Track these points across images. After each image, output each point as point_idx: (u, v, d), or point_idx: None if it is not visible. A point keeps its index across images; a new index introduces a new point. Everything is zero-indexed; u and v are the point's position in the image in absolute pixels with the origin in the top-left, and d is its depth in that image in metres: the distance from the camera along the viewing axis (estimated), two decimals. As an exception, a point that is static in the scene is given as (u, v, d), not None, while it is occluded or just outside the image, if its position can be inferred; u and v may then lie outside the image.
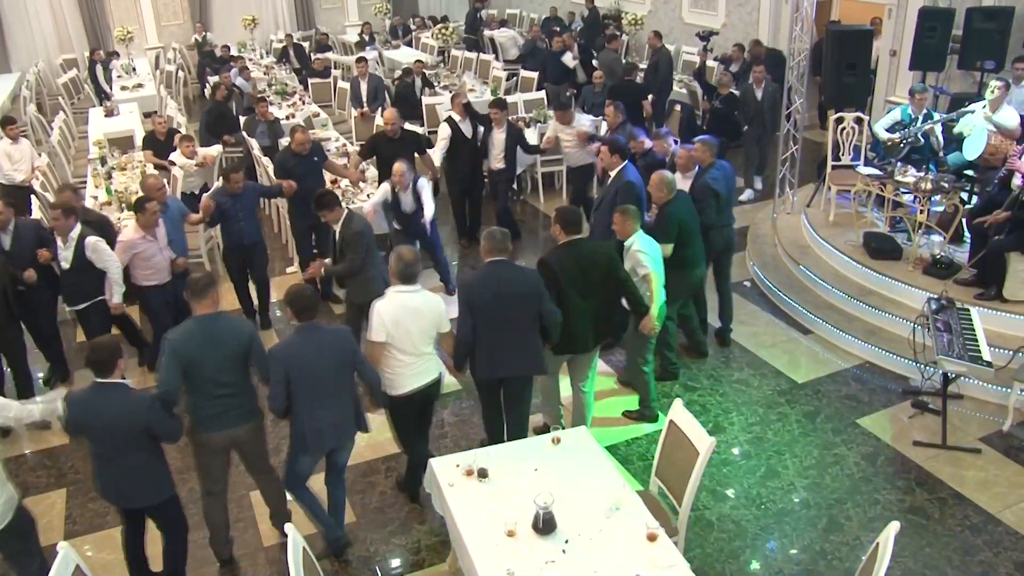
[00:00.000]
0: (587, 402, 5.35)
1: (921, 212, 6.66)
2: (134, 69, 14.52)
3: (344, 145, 9.63)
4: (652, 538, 3.61)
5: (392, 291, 4.55)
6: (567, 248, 4.97)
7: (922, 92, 7.37)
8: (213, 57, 14.37)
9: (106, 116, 11.38)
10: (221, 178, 6.99)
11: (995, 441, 5.43)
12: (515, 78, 12.88)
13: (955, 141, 7.29)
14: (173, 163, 8.35)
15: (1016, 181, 6.11)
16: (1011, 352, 5.60)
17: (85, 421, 3.94)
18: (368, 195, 7.88)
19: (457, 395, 6.07)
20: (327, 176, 7.88)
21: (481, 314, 4.68)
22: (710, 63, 11.49)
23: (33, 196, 7.95)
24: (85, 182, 8.92)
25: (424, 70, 11.91)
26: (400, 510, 5.05)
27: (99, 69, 13.84)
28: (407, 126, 8.87)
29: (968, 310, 5.53)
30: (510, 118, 9.80)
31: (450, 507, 3.92)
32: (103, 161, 9.17)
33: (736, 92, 9.35)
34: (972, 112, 7.00)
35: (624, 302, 5.18)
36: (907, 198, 7.01)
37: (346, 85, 11.72)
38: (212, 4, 17.01)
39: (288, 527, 3.51)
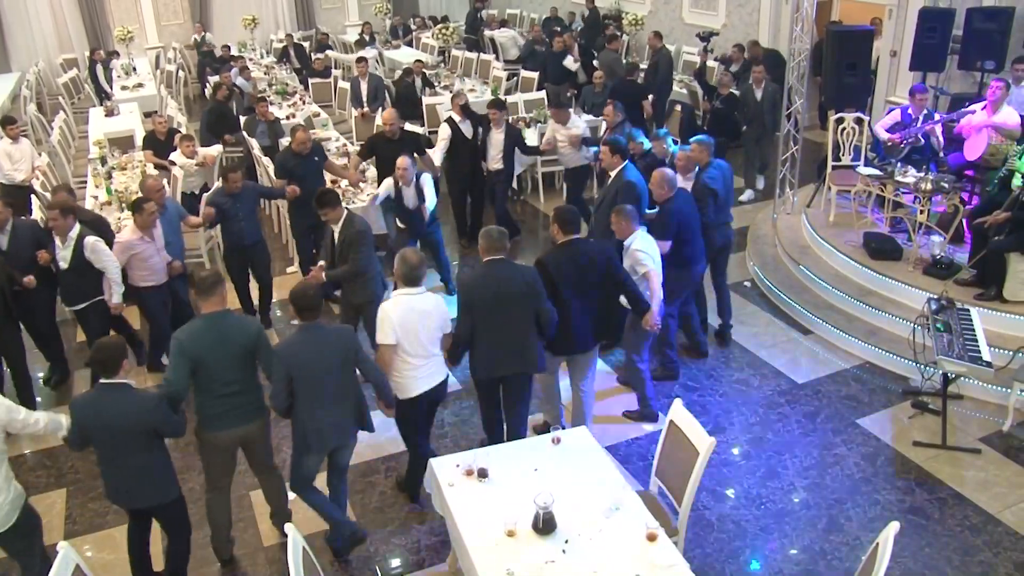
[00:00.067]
0: (587, 401, 5.35)
1: (921, 212, 6.66)
2: (134, 69, 14.52)
3: (344, 145, 9.64)
4: (652, 538, 3.61)
5: (398, 294, 4.55)
6: (565, 248, 4.97)
7: (922, 93, 7.37)
8: (213, 57, 14.38)
9: (106, 116, 11.38)
10: (220, 178, 6.99)
11: (995, 441, 5.43)
12: (515, 78, 12.88)
13: (955, 141, 7.29)
14: (173, 163, 8.35)
15: (1016, 181, 6.11)
16: (1011, 352, 5.60)
17: (91, 423, 3.93)
18: (368, 195, 7.89)
19: (457, 395, 6.07)
20: (327, 177, 7.87)
21: (480, 313, 4.69)
22: (710, 63, 11.49)
23: (33, 196, 7.96)
24: (85, 182, 8.92)
25: (424, 70, 11.90)
26: (400, 510, 5.05)
27: (99, 69, 13.85)
28: (407, 126, 8.87)
29: (968, 310, 5.53)
30: (511, 118, 9.83)
31: (450, 507, 3.92)
32: (103, 161, 9.17)
33: (736, 92, 9.35)
34: (972, 112, 7.01)
35: (625, 301, 5.18)
36: (907, 198, 7.01)
37: (346, 85, 11.72)
38: (212, 4, 17.02)
39: (288, 527, 3.51)
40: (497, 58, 14.38)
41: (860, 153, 7.84)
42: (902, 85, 9.59)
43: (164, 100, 12.34)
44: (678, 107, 10.16)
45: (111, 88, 13.38)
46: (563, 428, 4.98)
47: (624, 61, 12.01)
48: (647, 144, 7.07)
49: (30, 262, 5.82)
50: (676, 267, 5.70)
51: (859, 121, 7.85)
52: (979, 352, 5.10)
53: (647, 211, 6.05)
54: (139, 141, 9.76)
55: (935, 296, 5.59)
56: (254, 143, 9.18)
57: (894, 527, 3.28)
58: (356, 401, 4.45)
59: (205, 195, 7.51)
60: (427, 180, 6.97)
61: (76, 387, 6.45)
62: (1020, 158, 6.19)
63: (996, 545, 4.60)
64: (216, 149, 8.89)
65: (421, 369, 4.60)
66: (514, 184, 9.29)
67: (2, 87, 14.07)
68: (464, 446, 5.25)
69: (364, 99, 10.94)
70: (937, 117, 7.42)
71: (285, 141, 9.09)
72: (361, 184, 8.05)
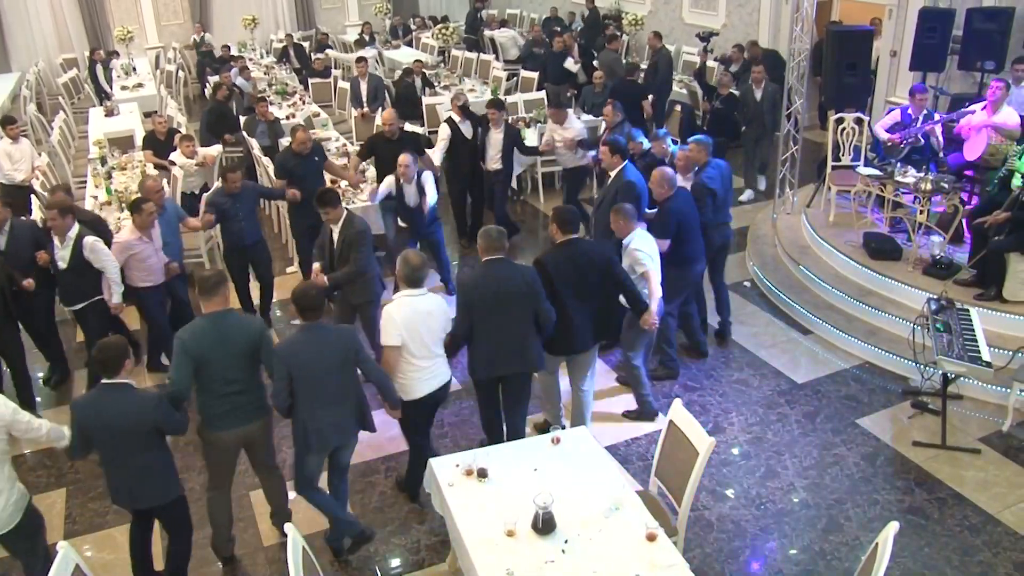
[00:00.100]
0: (586, 401, 5.36)
1: (921, 212, 6.67)
2: (134, 69, 14.52)
3: (344, 145, 9.64)
4: (651, 538, 3.62)
5: (401, 295, 4.54)
6: (564, 248, 4.97)
7: (922, 93, 7.37)
8: (212, 57, 14.39)
9: (106, 116, 11.38)
10: (220, 178, 6.99)
11: (995, 441, 5.43)
12: (515, 78, 12.88)
13: (955, 141, 7.29)
14: (173, 163, 8.35)
15: (1016, 181, 6.12)
16: (1011, 352, 5.60)
17: (92, 423, 3.93)
18: (368, 195, 7.89)
19: (457, 395, 6.06)
20: (327, 177, 7.87)
21: (479, 313, 4.69)
22: (710, 63, 11.50)
23: (33, 196, 7.96)
24: (85, 182, 8.92)
25: (424, 70, 11.90)
26: (400, 510, 5.05)
27: (99, 69, 13.85)
28: (408, 126, 8.87)
29: (968, 310, 5.53)
30: (511, 118, 9.82)
31: (450, 507, 3.92)
32: (103, 161, 9.17)
33: (736, 92, 9.35)
34: (972, 113, 7.01)
35: (623, 300, 5.19)
36: (907, 198, 7.01)
37: (346, 85, 11.72)
38: (212, 4, 17.02)
39: (288, 527, 3.51)
40: (497, 58, 14.39)
41: (860, 153, 7.84)
42: (902, 85, 9.59)
43: (164, 100, 12.34)
44: (678, 107, 10.16)
45: (111, 88, 13.38)
46: (563, 427, 5.00)
47: (624, 61, 12.02)
48: (646, 144, 7.07)
49: (29, 262, 5.82)
50: (675, 266, 5.70)
51: (859, 121, 7.86)
52: (979, 352, 5.10)
53: (646, 211, 6.06)
54: (139, 141, 9.76)
55: (935, 296, 5.60)
56: (254, 143, 9.18)
57: (893, 527, 3.28)
58: (357, 401, 4.45)
59: (205, 195, 7.51)
60: (428, 177, 6.97)
61: (76, 387, 6.46)
62: (1020, 158, 6.19)
63: (995, 545, 4.60)
64: (216, 149, 8.89)
65: (426, 371, 4.60)
66: (514, 184, 9.29)
67: (2, 87, 14.07)
68: (464, 446, 5.25)
69: (364, 99, 10.94)
70: (937, 117, 7.42)
71: (285, 141, 9.09)
72: (361, 185, 8.05)
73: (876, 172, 7.27)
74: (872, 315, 6.58)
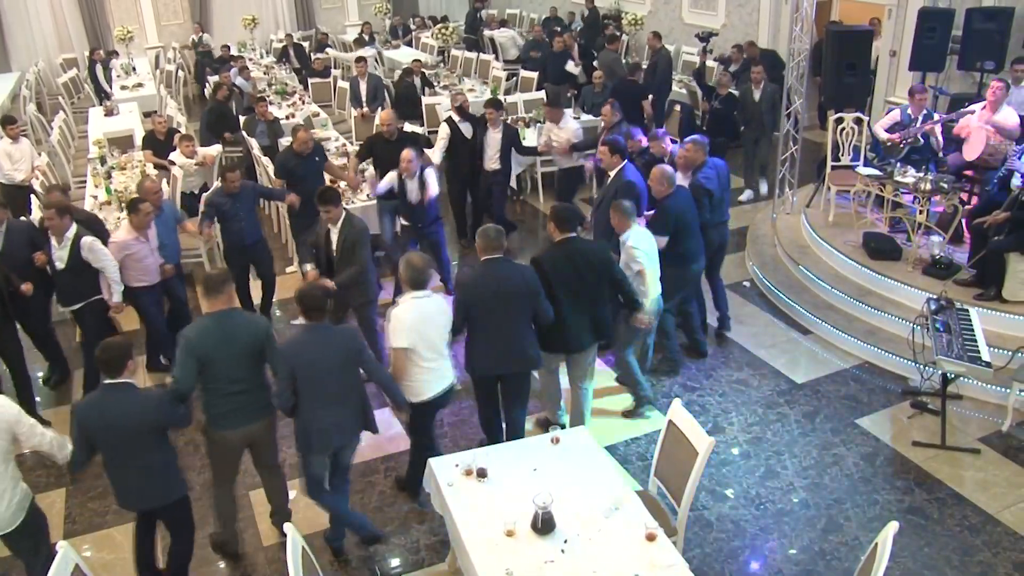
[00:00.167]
0: (586, 399, 5.37)
1: (921, 212, 6.67)
2: (134, 69, 14.52)
3: (344, 145, 9.63)
4: (651, 538, 3.62)
5: (407, 298, 4.54)
6: (562, 247, 4.99)
7: (922, 93, 7.37)
8: (211, 57, 14.39)
9: (106, 116, 11.38)
10: (219, 178, 6.99)
11: (994, 441, 5.43)
12: (515, 78, 12.88)
13: (955, 141, 7.29)
14: (173, 163, 8.36)
15: (1016, 181, 6.12)
16: (1010, 352, 5.60)
17: (95, 424, 3.92)
18: (368, 195, 7.89)
19: (457, 395, 6.06)
20: (326, 178, 7.87)
21: (478, 312, 4.70)
22: (710, 63, 11.49)
23: (33, 196, 7.95)
24: (85, 182, 8.92)
25: (423, 70, 11.90)
26: (400, 510, 5.05)
27: (99, 69, 13.85)
28: (407, 126, 8.86)
29: (967, 310, 5.53)
30: (511, 118, 9.82)
31: (449, 507, 3.92)
32: (103, 161, 9.17)
33: (735, 92, 9.35)
34: (972, 112, 7.01)
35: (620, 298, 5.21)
36: (907, 198, 7.01)
37: (346, 85, 11.72)
38: (212, 4, 17.01)
39: (287, 527, 3.51)
40: (497, 58, 14.38)
41: (859, 153, 7.85)
42: (901, 85, 9.59)
43: (164, 100, 12.34)
44: (677, 107, 10.16)
45: (111, 88, 13.38)
46: (563, 425, 5.03)
47: (623, 61, 12.02)
48: (645, 141, 7.09)
49: (26, 263, 5.81)
50: (673, 265, 5.73)
51: (858, 121, 7.86)
52: (978, 352, 5.10)
53: (645, 212, 6.07)
54: (139, 141, 9.76)
55: (934, 296, 5.60)
56: (253, 143, 9.18)
57: (893, 527, 3.28)
58: (360, 402, 4.45)
59: (204, 195, 7.52)
60: (430, 172, 6.96)
61: (75, 387, 6.45)
62: (1020, 158, 6.19)
63: (995, 545, 4.60)
64: (216, 149, 8.89)
65: (434, 372, 4.61)
66: (513, 184, 9.28)
67: (2, 87, 14.07)
68: (464, 446, 5.25)
69: (363, 99, 10.94)
70: (936, 117, 7.42)
71: (284, 141, 9.09)
72: (362, 184, 8.05)
73: (876, 172, 7.28)
74: (872, 315, 6.58)
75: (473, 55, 13.82)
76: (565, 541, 3.65)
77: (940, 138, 7.45)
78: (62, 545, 3.46)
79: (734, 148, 9.51)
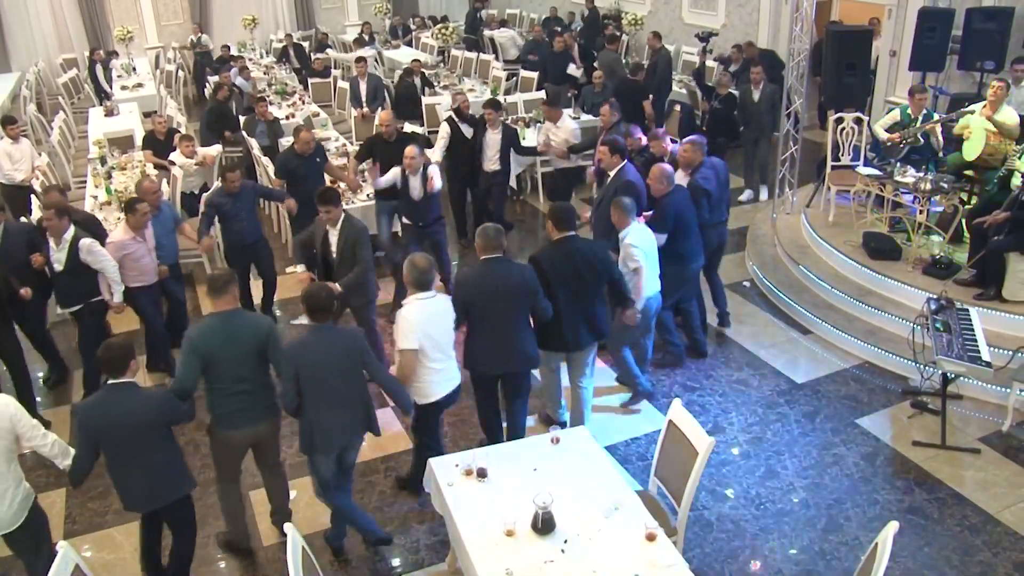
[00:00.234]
0: (585, 398, 5.39)
1: (921, 212, 6.67)
2: (134, 69, 14.53)
3: (344, 145, 9.64)
4: (651, 538, 3.62)
5: (413, 299, 4.53)
6: (560, 245, 5.01)
7: (921, 93, 7.37)
8: (209, 58, 14.39)
9: (106, 116, 11.39)
10: (219, 178, 6.99)
11: (994, 441, 5.43)
12: (515, 78, 12.88)
13: (955, 141, 7.29)
14: (173, 163, 8.36)
15: (1015, 181, 6.12)
16: (1010, 352, 5.60)
17: (98, 424, 3.92)
18: (368, 195, 7.89)
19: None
20: (327, 178, 7.87)
21: (478, 311, 4.71)
22: (709, 63, 11.49)
23: (33, 196, 7.95)
24: (85, 182, 8.93)
25: (423, 70, 11.90)
26: (400, 510, 5.05)
27: (99, 69, 13.85)
28: (408, 126, 8.86)
29: (967, 310, 5.53)
30: (511, 118, 9.83)
31: (449, 507, 3.92)
32: (103, 161, 9.17)
33: (735, 92, 9.35)
34: (972, 112, 7.01)
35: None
36: (906, 198, 7.01)
37: (345, 85, 11.72)
38: (212, 4, 17.01)
39: (287, 527, 3.51)
40: (497, 58, 14.38)
41: (859, 153, 7.84)
42: (901, 85, 9.59)
43: (164, 100, 12.34)
44: (677, 107, 10.16)
45: (111, 88, 13.39)
46: (563, 423, 5.09)
47: (624, 61, 12.01)
48: (644, 139, 7.10)
49: (24, 265, 5.81)
50: (671, 263, 5.75)
51: (858, 121, 7.86)
52: (978, 352, 5.10)
53: (644, 212, 6.08)
54: (139, 141, 9.76)
55: (934, 296, 5.60)
56: (253, 143, 9.18)
57: (893, 527, 3.28)
58: (364, 403, 4.45)
59: (204, 195, 7.52)
60: (434, 168, 6.96)
61: (75, 387, 6.45)
62: (1020, 158, 6.19)
63: (995, 545, 4.60)
64: (216, 149, 8.89)
65: (441, 373, 4.62)
66: (513, 184, 9.29)
67: (2, 87, 14.06)
68: (464, 446, 5.25)
69: (363, 99, 10.94)
70: (936, 117, 7.41)
71: (284, 141, 9.10)
72: (367, 177, 8.04)
73: (876, 172, 7.28)
74: (872, 315, 6.58)
75: (473, 55, 13.82)
76: (565, 541, 3.65)
77: (940, 138, 7.45)
78: (62, 545, 3.46)
79: (734, 148, 9.51)
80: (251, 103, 10.06)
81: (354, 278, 5.70)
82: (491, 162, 8.10)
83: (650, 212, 5.94)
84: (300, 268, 5.90)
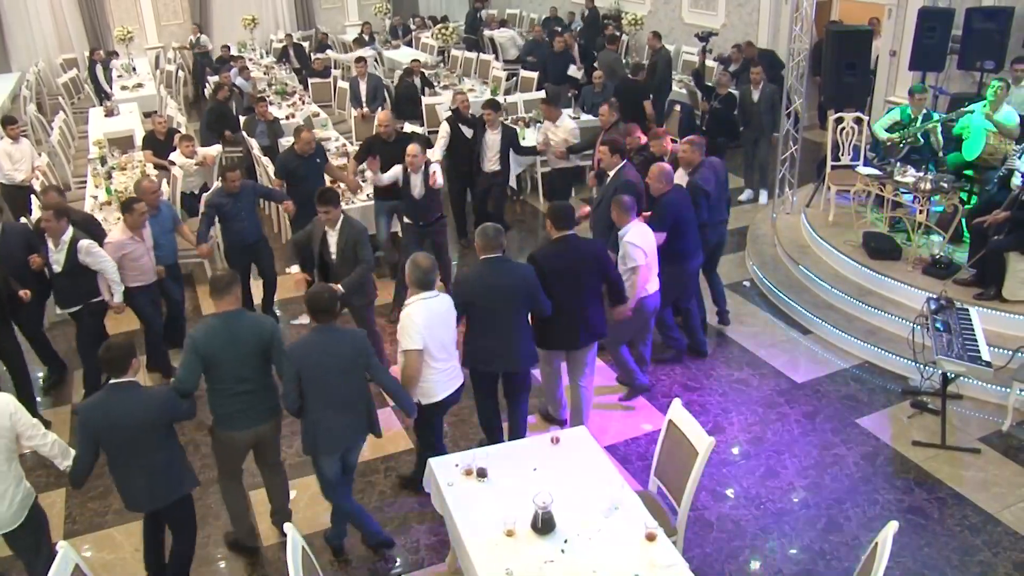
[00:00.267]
0: (585, 397, 5.40)
1: (920, 212, 6.66)
2: (134, 69, 14.53)
3: (344, 145, 9.64)
4: (651, 538, 3.62)
5: (416, 299, 4.52)
6: (558, 244, 5.03)
7: (921, 92, 7.37)
8: (208, 58, 14.39)
9: (106, 116, 11.39)
10: (219, 178, 6.99)
11: (994, 441, 5.43)
12: (515, 78, 12.88)
13: (954, 141, 7.29)
14: (173, 163, 8.36)
15: (1015, 180, 6.12)
16: (1010, 352, 5.60)
17: (99, 424, 3.92)
18: (368, 195, 7.89)
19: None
20: (326, 179, 7.86)
21: (478, 310, 4.72)
22: (709, 63, 11.49)
23: (33, 196, 7.95)
24: (85, 182, 8.93)
25: (423, 70, 11.90)
26: (400, 510, 5.05)
27: (99, 69, 13.86)
28: (408, 126, 8.85)
29: (967, 310, 5.53)
30: (511, 118, 9.83)
31: (449, 507, 3.92)
32: (103, 161, 9.18)
33: (735, 92, 9.35)
34: (972, 112, 7.01)
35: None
36: (906, 198, 7.01)
37: (345, 85, 11.72)
38: (212, 4, 17.01)
39: (287, 527, 3.51)
40: (497, 58, 14.38)
41: (859, 153, 7.84)
42: (901, 85, 9.59)
43: (164, 100, 12.35)
44: (677, 107, 10.16)
45: (111, 88, 13.39)
46: (564, 420, 5.17)
47: (624, 61, 12.01)
48: (643, 138, 7.11)
49: (22, 266, 5.80)
50: (669, 262, 5.76)
51: (858, 121, 7.86)
52: (978, 352, 5.10)
53: (643, 213, 6.09)
54: (139, 141, 9.76)
55: (934, 296, 5.60)
56: (254, 143, 9.18)
57: (893, 527, 3.28)
58: (366, 405, 4.44)
59: (204, 195, 7.52)
60: (436, 165, 6.97)
61: (75, 387, 6.45)
62: (1020, 157, 6.19)
63: (995, 545, 4.60)
64: (216, 149, 8.89)
65: (445, 372, 4.62)
66: (513, 184, 9.28)
67: (2, 87, 14.06)
68: (464, 446, 5.26)
69: (363, 99, 10.94)
70: (936, 117, 7.41)
71: (284, 141, 9.10)
72: (361, 185, 8.05)
73: (876, 172, 7.27)
74: (872, 315, 6.58)
75: (473, 55, 13.82)
76: (565, 541, 3.65)
77: (940, 138, 7.45)
78: (62, 545, 3.46)
79: (733, 148, 9.50)
80: (251, 103, 10.06)
81: (356, 278, 5.69)
82: (491, 163, 8.09)
83: (648, 212, 5.95)
84: (294, 269, 5.89)
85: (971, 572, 4.45)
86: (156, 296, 6.29)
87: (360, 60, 11.46)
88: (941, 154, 7.44)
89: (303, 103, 11.58)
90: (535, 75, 12.10)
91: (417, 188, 6.81)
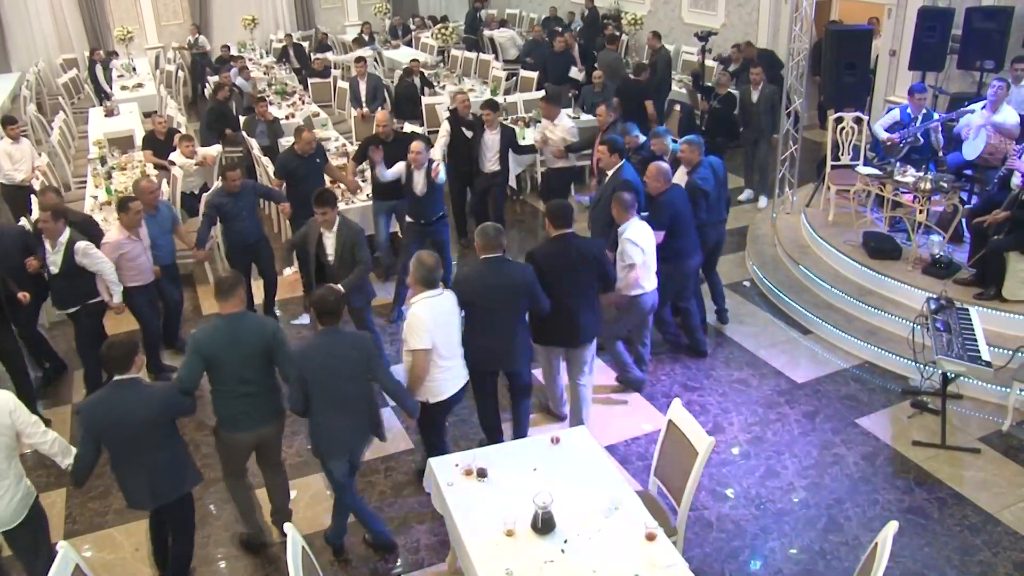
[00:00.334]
0: (584, 396, 5.42)
1: (920, 212, 6.66)
2: (134, 69, 14.54)
3: (344, 145, 9.64)
4: (651, 538, 3.62)
5: (421, 297, 4.51)
6: (556, 243, 5.04)
7: (921, 92, 7.37)
8: (208, 59, 14.39)
9: (106, 116, 11.39)
10: (220, 177, 6.99)
11: (994, 441, 5.43)
12: (515, 78, 12.88)
13: (954, 141, 7.29)
14: (173, 163, 8.36)
15: (1015, 180, 6.12)
16: (1010, 352, 5.60)
17: (102, 422, 3.93)
18: (367, 195, 7.88)
19: (456, 395, 6.07)
20: (326, 179, 7.86)
21: (478, 310, 4.72)
22: (709, 63, 11.47)
23: (33, 196, 7.95)
24: (85, 182, 8.92)
25: (422, 70, 11.90)
26: (400, 510, 5.05)
27: (99, 69, 13.86)
28: (408, 126, 8.84)
29: (967, 310, 5.53)
30: (510, 118, 9.82)
31: (449, 507, 3.92)
32: (103, 161, 9.18)
33: (735, 92, 9.35)
34: (972, 112, 7.01)
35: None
36: (906, 198, 7.01)
37: (345, 85, 11.72)
38: (212, 4, 17.01)
39: (287, 527, 3.51)
40: (496, 58, 14.38)
41: (859, 153, 7.85)
42: (901, 84, 9.59)
43: (164, 100, 12.35)
44: (677, 107, 10.16)
45: (111, 88, 13.39)
46: (564, 416, 5.19)
47: (625, 60, 12.00)
48: (642, 138, 7.11)
49: (18, 268, 5.80)
50: (668, 261, 5.77)
51: (858, 121, 7.86)
52: (978, 351, 5.10)
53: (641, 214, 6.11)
54: (139, 141, 9.76)
55: (934, 295, 5.60)
56: (254, 143, 9.17)
57: (893, 527, 3.28)
58: (371, 408, 4.44)
59: (205, 196, 7.52)
60: (439, 158, 6.96)
61: (75, 387, 6.45)
62: (1020, 157, 6.19)
63: (995, 545, 4.60)
64: (216, 149, 8.89)
65: (451, 371, 4.62)
66: (513, 184, 9.28)
67: (2, 87, 14.07)
68: (464, 446, 5.25)
69: (363, 99, 10.94)
70: (936, 116, 7.42)
71: (284, 141, 9.09)
72: (361, 185, 8.04)
73: (876, 172, 7.27)
74: (872, 314, 6.58)
75: (473, 55, 13.82)
76: (565, 541, 3.65)
77: (940, 137, 7.45)
78: (62, 545, 3.46)
79: (733, 148, 9.50)
80: (251, 103, 10.06)
81: (355, 278, 5.69)
82: (490, 163, 8.09)
83: (646, 213, 5.95)
84: (289, 271, 5.91)
85: (971, 572, 4.45)
86: (154, 296, 6.29)
87: (360, 60, 11.46)
88: (941, 154, 7.44)
89: (303, 103, 11.59)
90: (535, 75, 12.09)
91: (419, 185, 6.81)
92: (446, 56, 14.47)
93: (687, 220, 5.92)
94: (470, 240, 8.39)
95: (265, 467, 4.73)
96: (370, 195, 7.77)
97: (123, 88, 13.26)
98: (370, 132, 9.52)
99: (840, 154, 7.91)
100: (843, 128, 7.88)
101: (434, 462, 4.21)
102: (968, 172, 7.23)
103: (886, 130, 7.46)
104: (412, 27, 17.04)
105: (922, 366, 5.56)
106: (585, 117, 9.77)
